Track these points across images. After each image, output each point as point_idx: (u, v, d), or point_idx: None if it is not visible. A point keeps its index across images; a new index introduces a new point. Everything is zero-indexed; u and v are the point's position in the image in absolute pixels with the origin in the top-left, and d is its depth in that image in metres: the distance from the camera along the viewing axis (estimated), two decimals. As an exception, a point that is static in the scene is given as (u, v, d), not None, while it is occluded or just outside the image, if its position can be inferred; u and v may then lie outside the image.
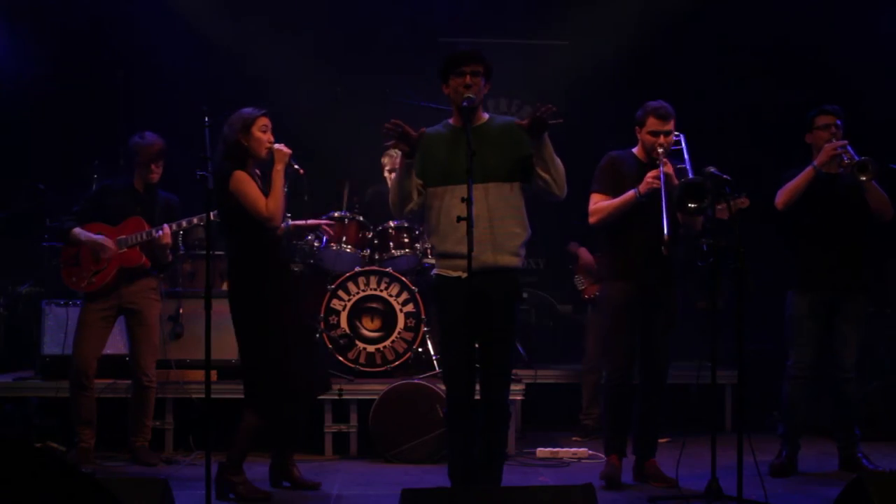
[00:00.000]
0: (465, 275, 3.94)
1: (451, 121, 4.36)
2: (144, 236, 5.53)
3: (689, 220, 5.00)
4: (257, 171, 4.86)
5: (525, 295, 7.60)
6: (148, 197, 5.68)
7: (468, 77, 4.18)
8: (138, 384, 5.63)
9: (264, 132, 4.79)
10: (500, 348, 4.23)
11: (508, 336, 4.26)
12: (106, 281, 5.55)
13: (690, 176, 4.91)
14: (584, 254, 6.68)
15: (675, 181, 4.88)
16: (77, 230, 5.56)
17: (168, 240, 5.51)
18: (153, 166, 5.64)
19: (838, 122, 5.38)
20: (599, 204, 5.07)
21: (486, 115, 4.35)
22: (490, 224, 4.14)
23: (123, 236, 5.56)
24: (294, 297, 4.95)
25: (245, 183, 4.71)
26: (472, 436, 4.19)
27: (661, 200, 4.81)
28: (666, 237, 4.79)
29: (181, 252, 6.64)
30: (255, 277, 4.78)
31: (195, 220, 5.53)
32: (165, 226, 5.51)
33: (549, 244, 7.44)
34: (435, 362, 6.31)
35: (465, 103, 4.14)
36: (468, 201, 3.88)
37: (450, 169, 4.16)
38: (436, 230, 4.27)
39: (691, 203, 4.79)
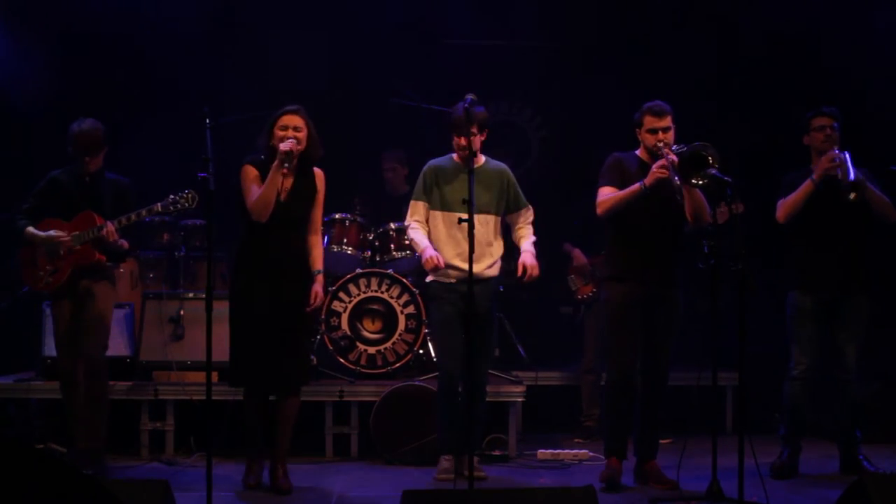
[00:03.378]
0: (454, 281, 5.20)
1: (454, 157, 5.35)
2: (94, 233, 5.30)
3: (697, 209, 5.01)
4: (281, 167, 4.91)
5: (525, 296, 7.63)
6: (94, 186, 5.44)
7: (462, 139, 5.19)
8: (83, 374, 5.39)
9: (283, 130, 4.96)
10: (485, 339, 5.25)
11: (491, 329, 5.40)
12: (63, 280, 5.38)
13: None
14: (578, 255, 6.69)
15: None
16: (30, 229, 5.39)
17: (113, 237, 5.28)
18: (87, 159, 5.40)
19: (835, 125, 5.39)
20: (607, 195, 5.11)
21: (483, 158, 5.31)
22: (479, 245, 4.93)
23: (77, 232, 5.35)
24: (278, 292, 4.92)
25: (245, 177, 5.01)
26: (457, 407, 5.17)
27: (673, 182, 4.85)
28: (677, 183, 4.85)
29: (181, 253, 6.64)
30: (234, 265, 5.11)
31: (134, 217, 5.31)
32: (109, 223, 5.28)
33: (548, 245, 7.42)
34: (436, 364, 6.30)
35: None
36: (469, 222, 4.65)
37: (450, 198, 5.25)
38: (436, 246, 5.23)
39: (695, 179, 4.84)
